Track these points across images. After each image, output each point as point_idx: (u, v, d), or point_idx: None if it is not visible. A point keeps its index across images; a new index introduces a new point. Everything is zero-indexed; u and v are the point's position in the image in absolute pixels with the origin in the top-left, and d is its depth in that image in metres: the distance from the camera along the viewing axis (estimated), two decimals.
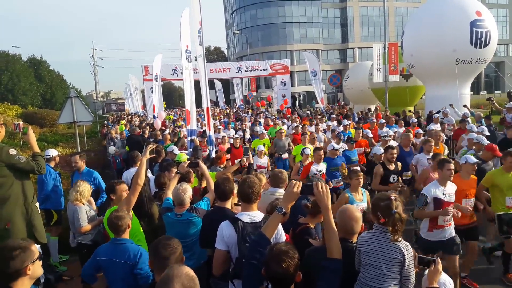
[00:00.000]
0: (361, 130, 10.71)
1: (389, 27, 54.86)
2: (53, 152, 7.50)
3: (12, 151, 4.08)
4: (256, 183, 3.51)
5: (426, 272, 2.97)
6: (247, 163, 6.42)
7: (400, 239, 3.03)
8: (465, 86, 20.10)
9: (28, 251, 2.50)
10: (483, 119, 11.70)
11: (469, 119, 11.77)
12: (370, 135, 10.63)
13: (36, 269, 2.56)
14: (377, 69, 24.04)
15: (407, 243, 3.07)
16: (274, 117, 19.16)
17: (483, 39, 18.97)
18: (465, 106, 14.83)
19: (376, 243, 3.10)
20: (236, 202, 4.47)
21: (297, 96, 30.33)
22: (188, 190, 4.37)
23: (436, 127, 11.01)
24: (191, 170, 5.59)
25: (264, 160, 9.35)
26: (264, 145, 10.40)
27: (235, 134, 13.03)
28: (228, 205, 4.07)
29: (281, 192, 4.74)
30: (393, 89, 23.44)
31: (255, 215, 3.42)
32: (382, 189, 6.55)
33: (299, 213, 4.03)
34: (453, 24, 18.89)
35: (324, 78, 29.40)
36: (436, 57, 19.18)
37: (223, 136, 11.63)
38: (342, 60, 71.07)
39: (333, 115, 17.38)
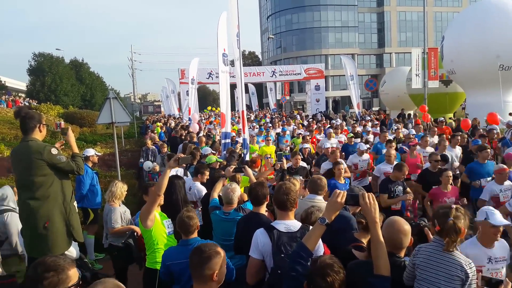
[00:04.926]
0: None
1: (428, 32, 53.44)
2: (90, 152, 7.65)
3: (54, 151, 4.13)
4: (292, 189, 3.37)
5: None
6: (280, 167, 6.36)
7: (456, 251, 2.76)
8: (509, 93, 19.19)
9: (63, 275, 2.04)
10: None
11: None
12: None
13: None
14: (416, 74, 23.30)
15: (470, 260, 2.78)
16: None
17: None
18: (510, 114, 14.22)
19: (434, 257, 2.80)
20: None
21: (338, 100, 29.48)
22: (237, 189, 4.51)
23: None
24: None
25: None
26: None
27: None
28: (262, 210, 4.02)
29: (319, 199, 4.59)
30: (432, 95, 22.72)
31: (291, 224, 3.28)
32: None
33: (337, 224, 3.90)
34: (497, 29, 18.04)
35: (360, 83, 28.87)
36: (478, 63, 18.36)
37: None
38: (378, 65, 69.72)
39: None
